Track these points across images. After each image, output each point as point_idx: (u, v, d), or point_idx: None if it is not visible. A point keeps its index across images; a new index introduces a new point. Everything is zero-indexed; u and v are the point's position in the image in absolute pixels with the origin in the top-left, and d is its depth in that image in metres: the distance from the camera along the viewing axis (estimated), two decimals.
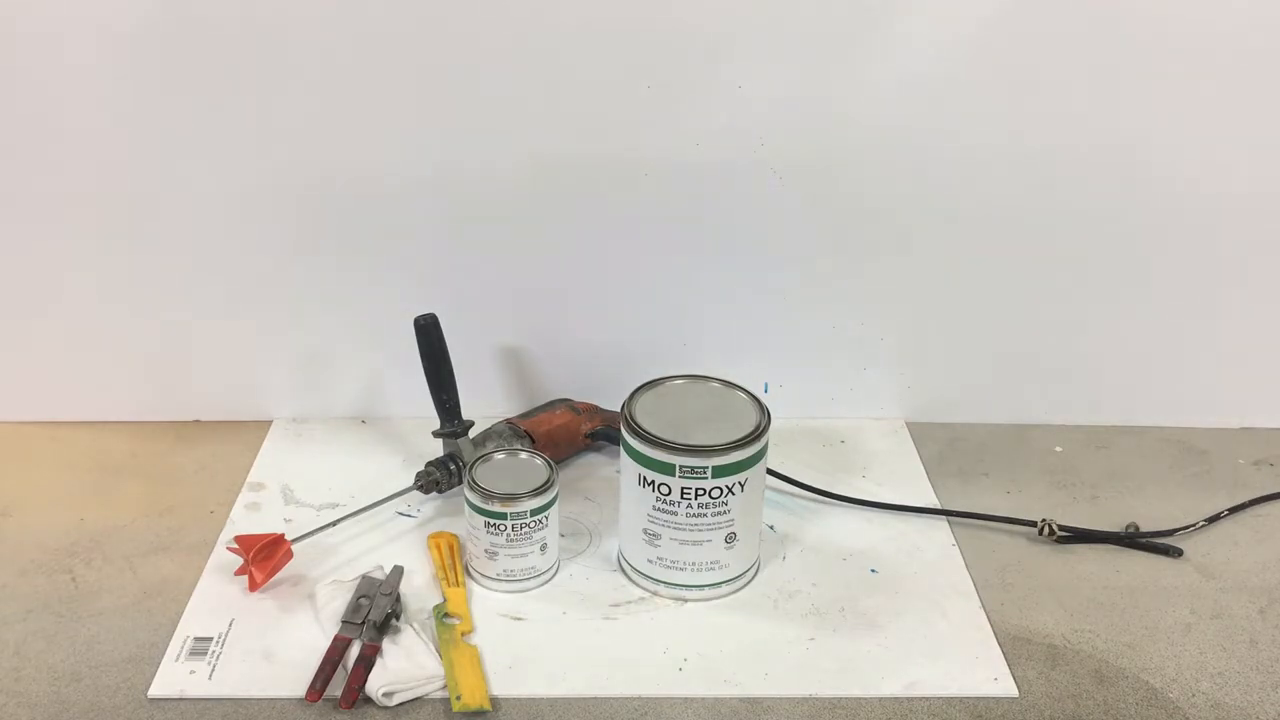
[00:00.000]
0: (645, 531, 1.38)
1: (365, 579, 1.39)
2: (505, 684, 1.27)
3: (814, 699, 1.27)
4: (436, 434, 1.56)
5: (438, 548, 1.46)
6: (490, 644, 1.33)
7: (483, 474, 1.40)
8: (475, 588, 1.42)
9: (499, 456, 1.44)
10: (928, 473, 1.65)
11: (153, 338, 1.68)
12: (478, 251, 1.64)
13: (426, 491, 1.53)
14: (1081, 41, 1.51)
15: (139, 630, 1.35)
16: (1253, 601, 1.43)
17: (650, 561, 1.40)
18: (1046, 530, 1.51)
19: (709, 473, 1.33)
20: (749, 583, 1.43)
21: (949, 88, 1.53)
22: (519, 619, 1.38)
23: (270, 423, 1.73)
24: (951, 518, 1.56)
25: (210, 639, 1.32)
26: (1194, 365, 1.72)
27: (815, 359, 1.72)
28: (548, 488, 1.39)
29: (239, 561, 1.39)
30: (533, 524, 1.38)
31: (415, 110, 1.55)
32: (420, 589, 1.40)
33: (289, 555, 1.40)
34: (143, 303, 1.65)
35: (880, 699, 1.27)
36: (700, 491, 1.33)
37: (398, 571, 1.41)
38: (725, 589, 1.41)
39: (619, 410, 1.39)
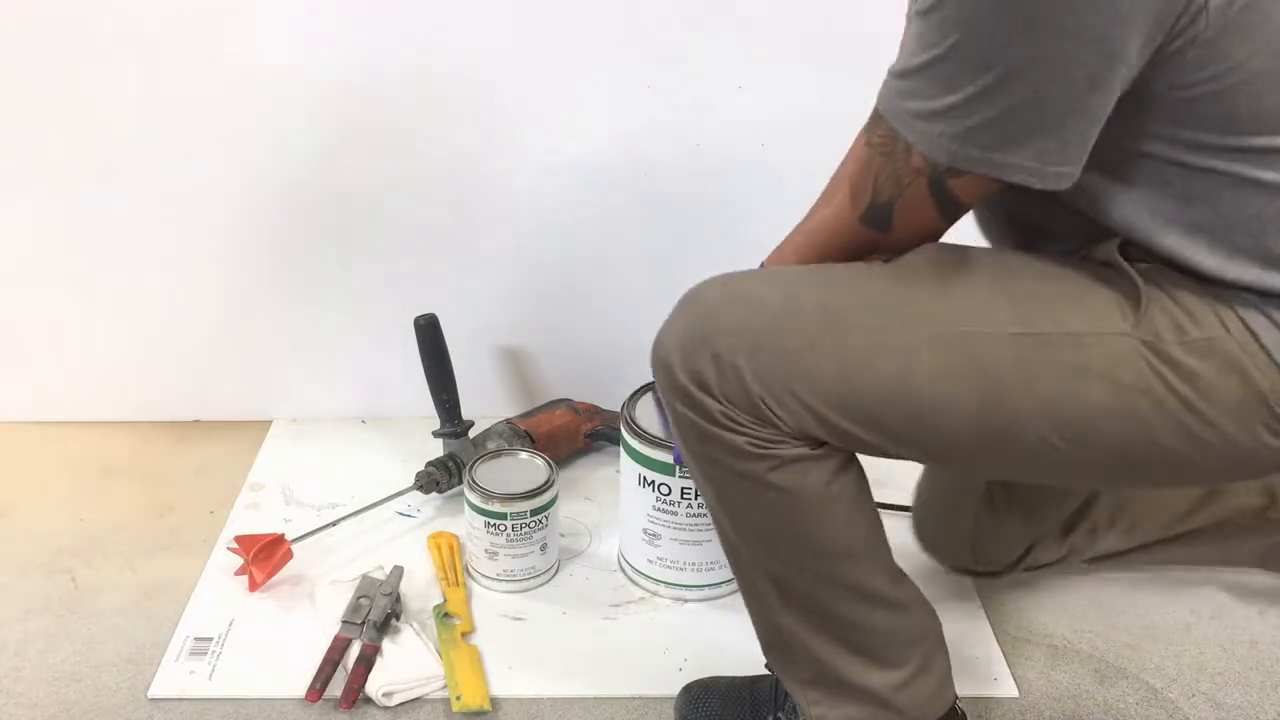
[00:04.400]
0: (645, 531, 1.38)
1: (365, 579, 1.39)
2: (505, 684, 1.27)
3: None
4: (436, 434, 1.56)
5: (438, 548, 1.46)
6: (490, 644, 1.33)
7: (483, 474, 1.40)
8: (475, 588, 1.42)
9: (499, 456, 1.44)
10: None
11: (153, 338, 1.68)
12: (478, 251, 1.64)
13: (426, 491, 1.53)
14: None
15: (139, 630, 1.35)
16: (1252, 601, 1.43)
17: (650, 561, 1.40)
18: None
19: None
20: None
21: None
22: (519, 619, 1.38)
23: (270, 423, 1.73)
24: None
25: (210, 639, 1.32)
26: None
27: None
28: (548, 488, 1.39)
29: (239, 561, 1.39)
30: (533, 524, 1.38)
31: (416, 112, 1.55)
32: (420, 589, 1.40)
33: (289, 555, 1.40)
34: (143, 303, 1.65)
35: None
36: None
37: (398, 571, 1.41)
38: (725, 589, 1.41)
39: (619, 410, 1.39)
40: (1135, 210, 0.95)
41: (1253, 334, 0.93)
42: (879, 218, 0.99)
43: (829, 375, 0.95)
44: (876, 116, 0.97)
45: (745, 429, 0.96)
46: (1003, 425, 0.95)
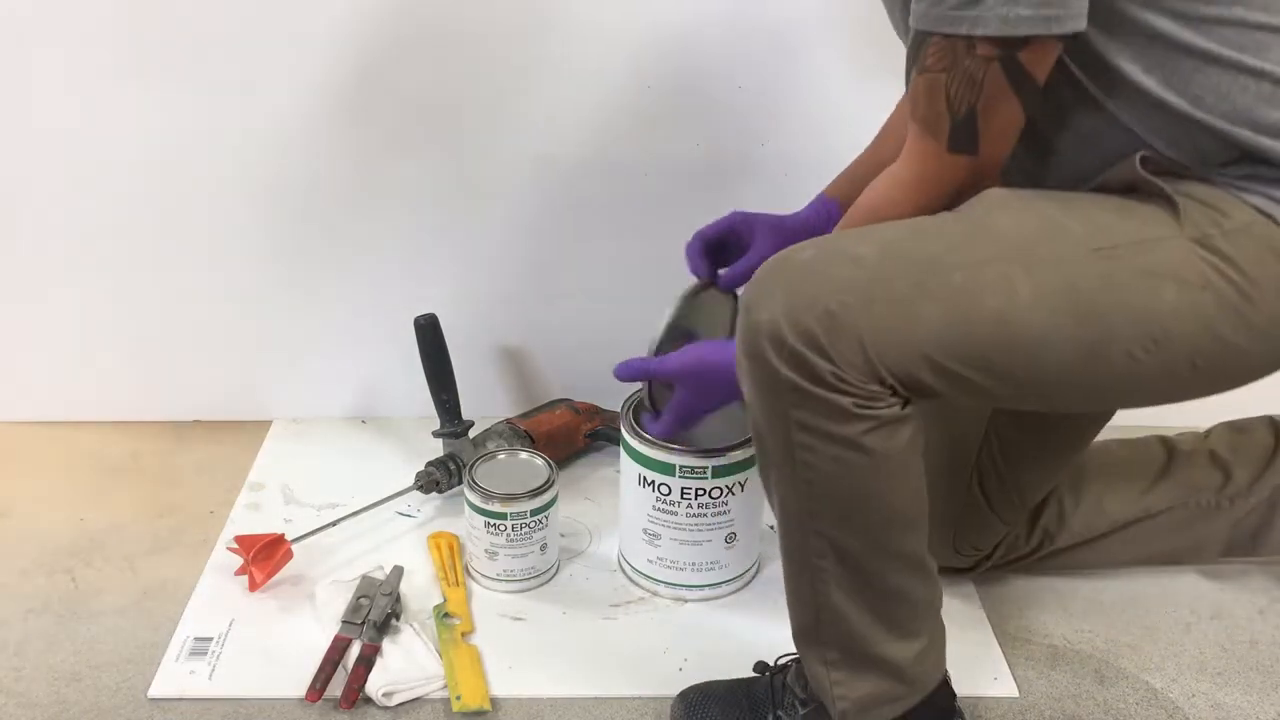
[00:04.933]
0: (645, 531, 1.38)
1: (365, 579, 1.38)
2: (505, 684, 1.27)
3: None
4: (436, 434, 1.56)
5: (438, 548, 1.46)
6: (490, 644, 1.33)
7: (483, 474, 1.40)
8: (475, 588, 1.42)
9: (499, 456, 1.44)
10: None
11: (153, 338, 1.68)
12: (478, 251, 1.64)
13: (426, 491, 1.52)
14: None
15: (139, 630, 1.35)
16: (1253, 601, 1.43)
17: (650, 561, 1.40)
18: None
19: (709, 473, 1.33)
20: (749, 583, 1.43)
21: None
22: (519, 619, 1.38)
23: (270, 423, 1.73)
24: None
25: (210, 639, 1.32)
26: None
27: None
28: (548, 488, 1.39)
29: (239, 561, 1.39)
30: (533, 524, 1.38)
31: (416, 112, 1.55)
32: (420, 589, 1.40)
33: (289, 555, 1.40)
34: (143, 303, 1.65)
35: None
36: (700, 491, 1.33)
37: (398, 571, 1.41)
38: (725, 589, 1.41)
39: (619, 410, 1.39)
40: (1136, 76, 1.01)
41: (1268, 216, 1.00)
42: (965, 134, 1.01)
43: (941, 318, 0.97)
44: (917, 44, 1.00)
45: (852, 388, 0.97)
46: (1095, 343, 0.99)
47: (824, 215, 1.32)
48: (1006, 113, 1.00)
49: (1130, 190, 1.03)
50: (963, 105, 1.00)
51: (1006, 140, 1.03)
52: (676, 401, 1.27)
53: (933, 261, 0.99)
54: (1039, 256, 0.99)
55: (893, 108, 1.35)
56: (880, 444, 1.00)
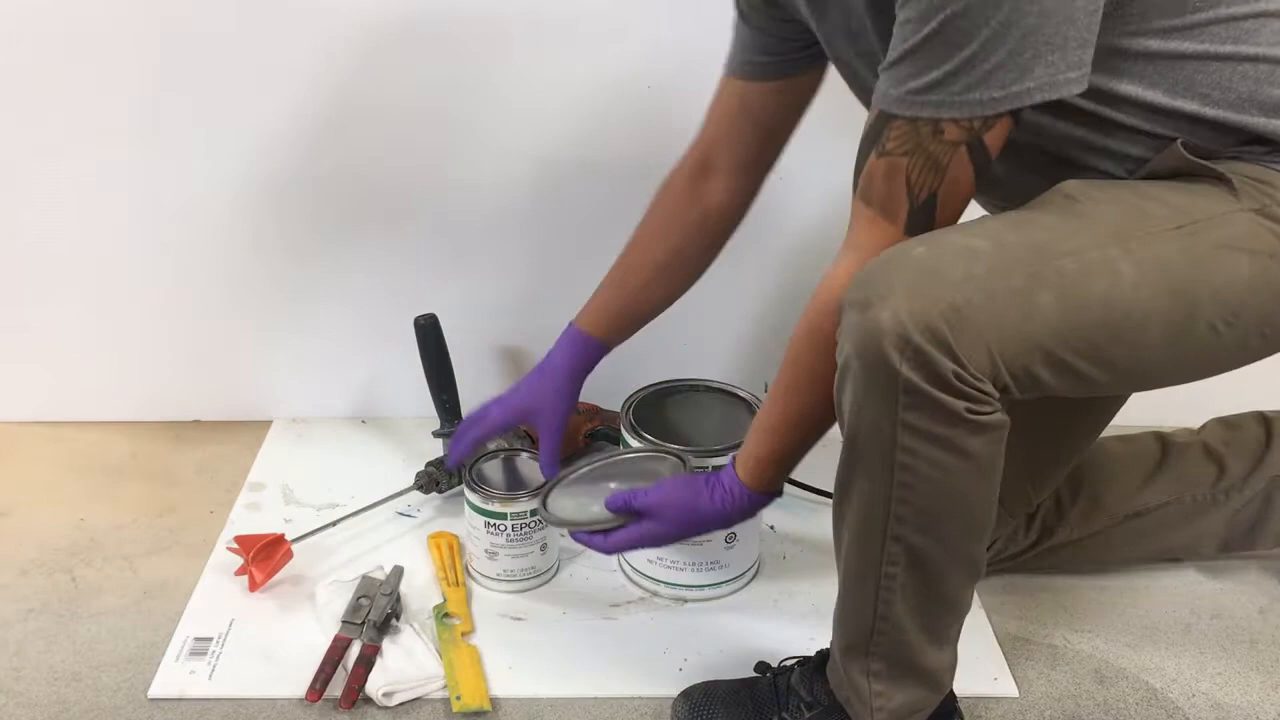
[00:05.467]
0: None
1: (365, 579, 1.39)
2: (505, 684, 1.27)
3: None
4: (436, 434, 1.56)
5: (438, 548, 1.46)
6: (490, 644, 1.33)
7: (483, 474, 1.40)
8: (475, 588, 1.42)
9: (499, 456, 1.44)
10: None
11: (153, 338, 1.68)
12: (478, 251, 1.64)
13: (426, 491, 1.53)
14: None
15: (139, 630, 1.35)
16: (1252, 601, 1.43)
17: (650, 561, 1.40)
18: None
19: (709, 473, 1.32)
20: (749, 583, 1.43)
21: None
22: (519, 619, 1.38)
23: (270, 423, 1.73)
24: None
25: (210, 639, 1.32)
26: None
27: None
28: None
29: (239, 561, 1.39)
30: (533, 524, 1.38)
31: (416, 112, 1.55)
32: (420, 589, 1.40)
33: (289, 555, 1.40)
34: (143, 303, 1.65)
35: None
36: None
37: (398, 571, 1.41)
38: (725, 589, 1.41)
39: (619, 410, 1.39)
40: (1141, 94, 1.02)
41: None
42: (923, 218, 1.00)
43: (1056, 306, 0.96)
44: (877, 127, 0.98)
45: (970, 389, 0.95)
46: (1184, 320, 0.99)
47: (580, 351, 1.35)
48: (964, 193, 0.99)
49: (1176, 175, 1.03)
50: (924, 190, 0.98)
51: (959, 218, 1.02)
52: (642, 532, 1.20)
53: (1042, 250, 0.97)
54: (1133, 239, 0.98)
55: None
56: (981, 449, 0.99)
